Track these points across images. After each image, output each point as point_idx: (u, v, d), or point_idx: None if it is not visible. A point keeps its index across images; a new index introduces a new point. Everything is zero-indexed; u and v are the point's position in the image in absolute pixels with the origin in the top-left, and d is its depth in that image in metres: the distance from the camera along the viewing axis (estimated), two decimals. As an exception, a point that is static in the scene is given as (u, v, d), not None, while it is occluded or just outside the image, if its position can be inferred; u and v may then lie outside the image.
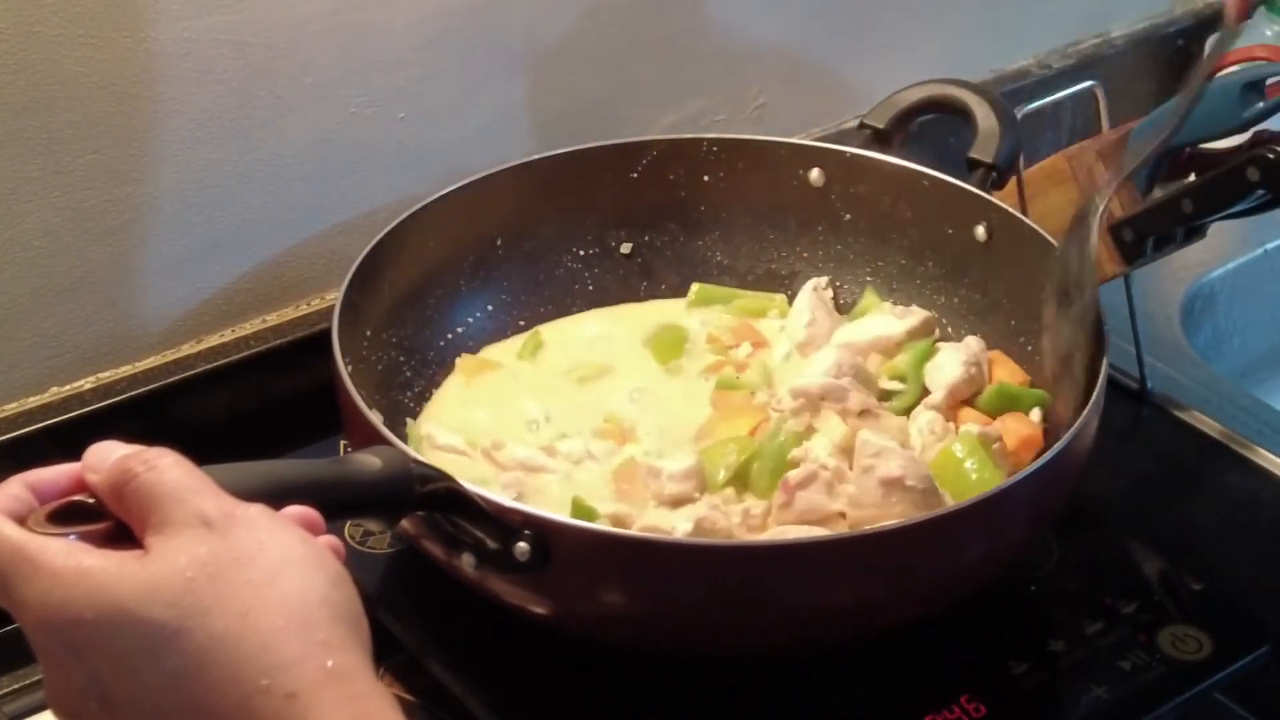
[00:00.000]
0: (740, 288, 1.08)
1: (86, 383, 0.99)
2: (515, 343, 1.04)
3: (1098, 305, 0.90)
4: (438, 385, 1.00)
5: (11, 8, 0.87)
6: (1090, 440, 0.85)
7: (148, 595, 0.53)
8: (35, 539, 0.55)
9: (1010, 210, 1.00)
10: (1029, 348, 0.98)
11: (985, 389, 0.96)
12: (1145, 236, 1.02)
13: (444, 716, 0.85)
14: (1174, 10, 1.46)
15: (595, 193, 1.07)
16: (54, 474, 0.58)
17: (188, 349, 1.03)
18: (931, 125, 1.09)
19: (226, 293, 1.03)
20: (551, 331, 1.05)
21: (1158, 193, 1.03)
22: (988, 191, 1.00)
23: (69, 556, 0.54)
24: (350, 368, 0.86)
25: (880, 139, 1.07)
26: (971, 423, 0.93)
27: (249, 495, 0.58)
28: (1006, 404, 0.95)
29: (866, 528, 0.83)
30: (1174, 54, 1.45)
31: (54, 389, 0.98)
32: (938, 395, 0.95)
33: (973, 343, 0.99)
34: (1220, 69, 1.01)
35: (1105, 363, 0.86)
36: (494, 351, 1.03)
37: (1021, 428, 0.93)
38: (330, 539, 0.60)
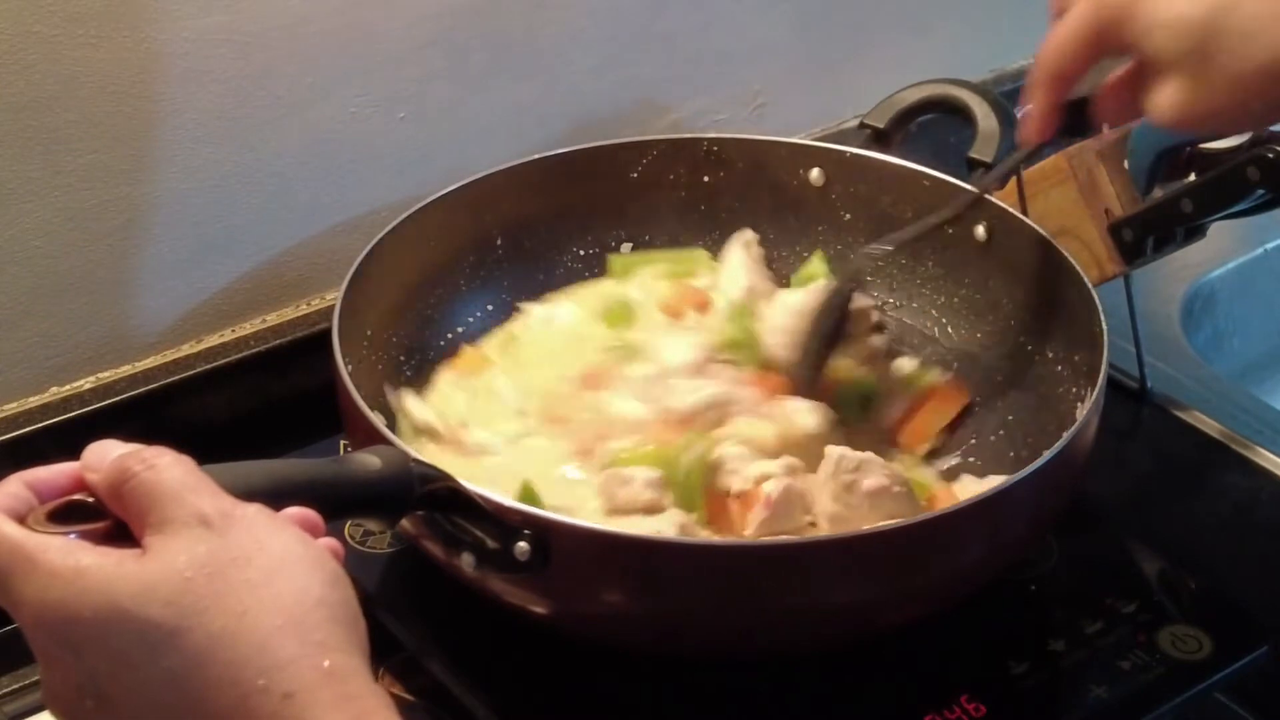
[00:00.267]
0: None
1: (86, 383, 0.99)
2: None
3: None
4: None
5: (11, 8, 0.87)
6: (1091, 440, 0.85)
7: (146, 594, 0.53)
8: (34, 537, 0.55)
9: (1010, 210, 1.00)
10: (1029, 347, 0.98)
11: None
12: (1145, 236, 1.02)
13: (444, 716, 0.85)
14: (1174, 10, 1.46)
15: (595, 193, 1.07)
16: (53, 473, 0.58)
17: (187, 349, 1.03)
18: (931, 125, 1.09)
19: (226, 293, 1.03)
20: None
21: (1158, 193, 1.03)
22: (988, 191, 1.00)
23: (67, 555, 0.54)
24: (350, 367, 0.86)
25: (880, 139, 1.07)
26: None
27: (248, 495, 0.58)
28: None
29: (867, 527, 0.83)
30: (1174, 54, 1.45)
31: (54, 389, 0.98)
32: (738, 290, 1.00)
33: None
34: None
35: (1105, 363, 0.86)
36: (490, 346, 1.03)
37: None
38: (330, 540, 0.60)
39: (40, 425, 0.96)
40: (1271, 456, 1.05)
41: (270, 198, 1.02)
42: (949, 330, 1.04)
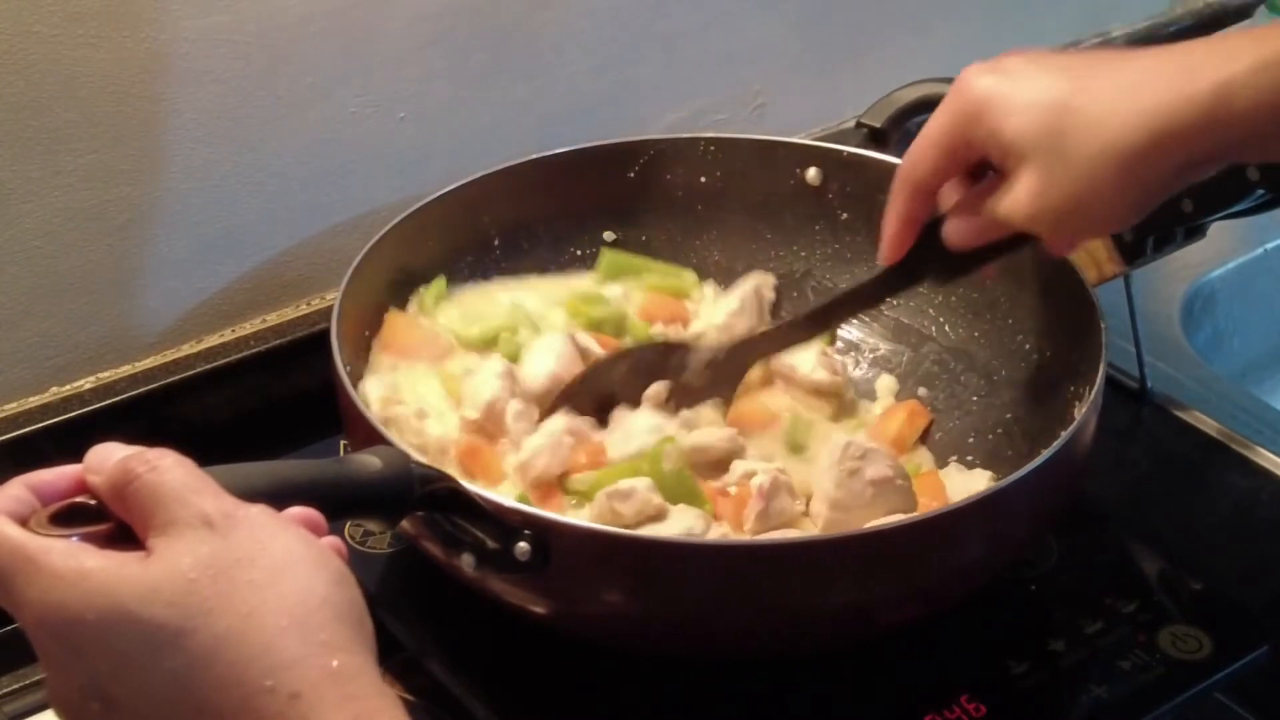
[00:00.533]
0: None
1: (86, 383, 0.99)
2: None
3: None
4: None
5: (11, 8, 0.87)
6: (1089, 440, 0.85)
7: (149, 596, 0.53)
8: (37, 540, 0.55)
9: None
10: (1026, 346, 0.98)
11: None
12: (1145, 236, 1.02)
13: (444, 716, 0.85)
14: (1174, 10, 1.46)
15: (594, 192, 1.07)
16: (55, 475, 0.58)
17: (188, 349, 1.03)
18: (929, 125, 1.09)
19: (226, 293, 1.03)
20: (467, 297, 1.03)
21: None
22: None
23: (70, 557, 0.54)
24: (350, 368, 0.86)
25: (877, 138, 1.07)
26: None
27: (250, 496, 0.58)
28: None
29: (867, 527, 0.83)
30: (1174, 54, 1.45)
31: (54, 389, 0.98)
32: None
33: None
34: None
35: (1104, 362, 0.86)
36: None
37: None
38: (332, 539, 0.60)
39: (40, 425, 0.96)
40: (1271, 456, 1.05)
41: (270, 198, 1.02)
42: (947, 329, 1.04)
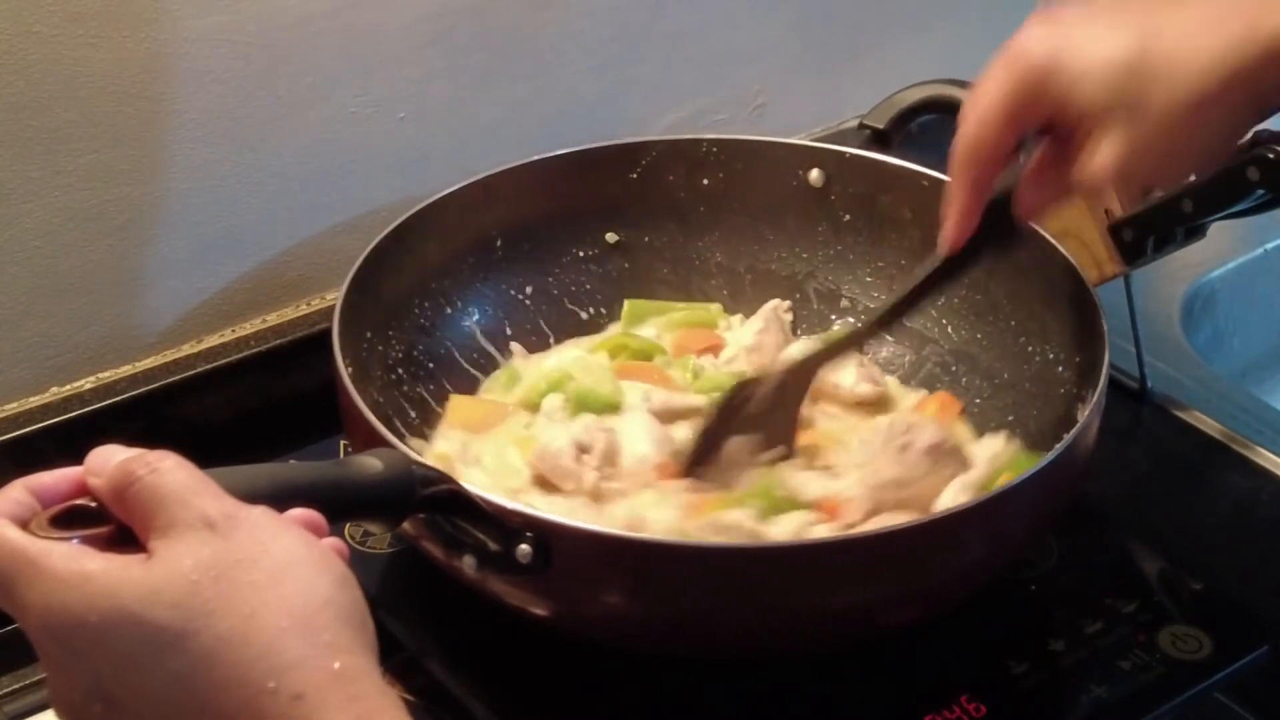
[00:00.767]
0: (739, 289, 1.09)
1: (86, 383, 0.99)
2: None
3: None
4: (436, 385, 1.00)
5: (11, 8, 0.87)
6: (1092, 441, 0.85)
7: (151, 598, 0.53)
8: (38, 543, 0.55)
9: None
10: (1030, 348, 0.99)
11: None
12: (1145, 236, 1.02)
13: (444, 716, 0.85)
14: (1173, 9, 1.46)
15: (595, 193, 1.07)
16: (56, 478, 0.58)
17: (188, 349, 1.03)
18: (931, 125, 1.09)
19: (226, 293, 1.03)
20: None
21: (1158, 193, 1.03)
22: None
23: (72, 560, 0.54)
24: (351, 369, 0.86)
25: (880, 139, 1.07)
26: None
27: (251, 498, 0.58)
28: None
29: (868, 528, 0.83)
30: (1173, 53, 1.45)
31: (54, 389, 0.98)
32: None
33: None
34: None
35: (1106, 364, 0.86)
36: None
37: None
38: (333, 540, 0.60)
39: (41, 425, 0.96)
40: (1271, 456, 1.05)
41: (270, 198, 1.02)
42: (949, 331, 1.04)
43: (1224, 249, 1.29)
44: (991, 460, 0.91)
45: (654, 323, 1.06)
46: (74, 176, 0.93)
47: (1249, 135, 0.96)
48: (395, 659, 0.86)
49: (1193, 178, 1.00)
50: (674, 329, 1.06)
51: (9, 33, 0.88)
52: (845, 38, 1.26)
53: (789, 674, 0.84)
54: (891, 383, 1.04)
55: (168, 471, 0.56)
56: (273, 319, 1.05)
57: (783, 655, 0.84)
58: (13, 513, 0.56)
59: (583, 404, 0.96)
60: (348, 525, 0.91)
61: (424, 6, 1.03)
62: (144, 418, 0.99)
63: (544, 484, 0.92)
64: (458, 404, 0.99)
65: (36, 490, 0.57)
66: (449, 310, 1.02)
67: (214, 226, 1.00)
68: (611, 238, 1.08)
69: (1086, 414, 0.83)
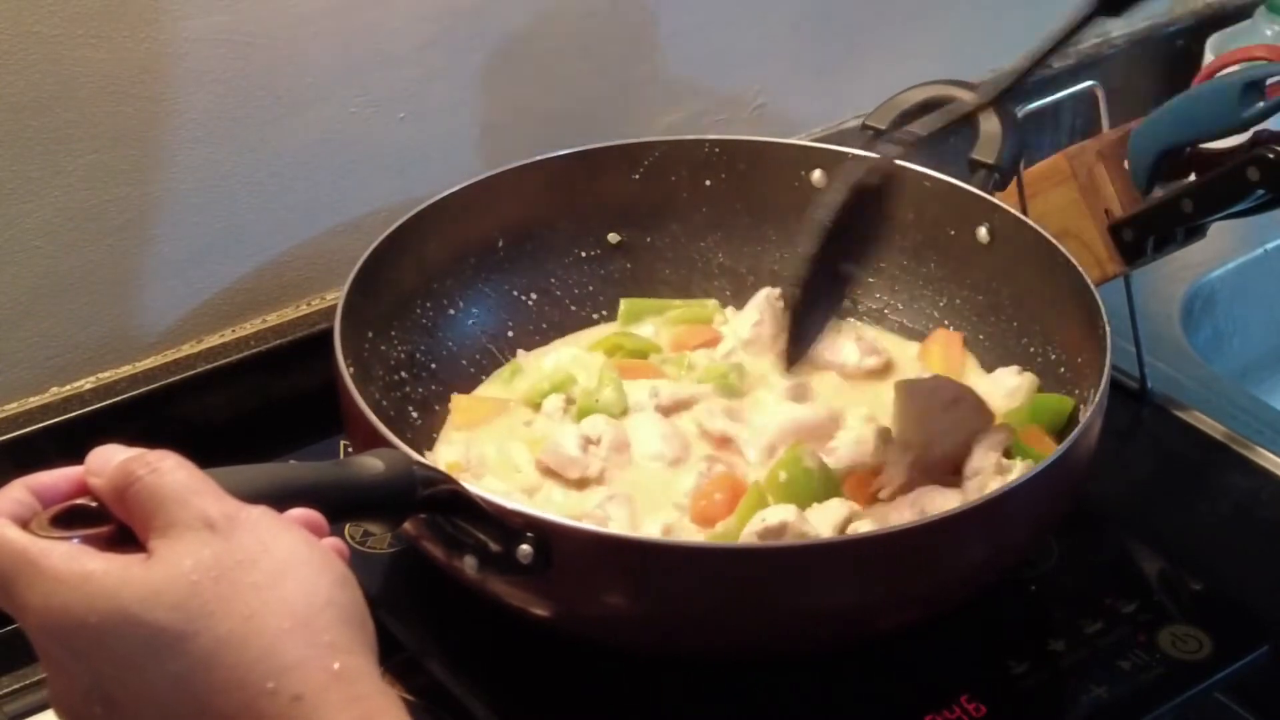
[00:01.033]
0: (741, 289, 1.08)
1: (86, 383, 0.99)
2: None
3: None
4: (438, 385, 1.00)
5: (11, 8, 0.87)
6: (1093, 442, 0.85)
7: (152, 598, 0.53)
8: (38, 543, 0.55)
9: (1013, 211, 1.00)
10: (1032, 348, 0.99)
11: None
12: (1145, 236, 1.02)
13: (444, 716, 0.85)
14: (1174, 10, 1.46)
15: (597, 194, 1.07)
16: (56, 478, 0.58)
17: (188, 349, 1.03)
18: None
19: (226, 293, 1.03)
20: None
21: (1158, 193, 1.03)
22: (990, 193, 1.00)
23: (72, 560, 0.54)
24: (352, 369, 0.86)
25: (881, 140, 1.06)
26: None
27: (252, 498, 0.58)
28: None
29: (870, 530, 0.83)
30: (1174, 54, 1.45)
31: (54, 389, 0.98)
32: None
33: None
34: (1221, 68, 1.01)
35: (1108, 365, 0.86)
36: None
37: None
38: (334, 541, 0.60)
39: (41, 425, 0.96)
40: (1271, 456, 1.05)
41: (270, 198, 1.02)
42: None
43: (1224, 249, 1.29)
44: (1010, 395, 0.95)
45: (651, 321, 1.07)
46: (74, 176, 0.93)
47: (1249, 135, 0.97)
48: (395, 659, 0.86)
49: (1193, 177, 1.01)
50: (671, 326, 1.06)
51: (9, 33, 0.88)
52: (845, 38, 1.26)
53: (789, 674, 0.84)
54: (892, 342, 1.05)
55: (168, 471, 0.56)
56: (273, 319, 1.05)
57: (783, 656, 0.84)
58: (13, 512, 0.56)
59: (589, 413, 0.96)
60: (348, 525, 0.91)
61: (424, 6, 1.03)
62: (144, 418, 0.99)
63: (550, 475, 0.93)
64: (460, 404, 0.99)
65: (37, 490, 0.57)
66: (451, 311, 1.02)
67: (214, 226, 1.00)
68: (614, 238, 1.08)
69: (1088, 414, 0.83)
